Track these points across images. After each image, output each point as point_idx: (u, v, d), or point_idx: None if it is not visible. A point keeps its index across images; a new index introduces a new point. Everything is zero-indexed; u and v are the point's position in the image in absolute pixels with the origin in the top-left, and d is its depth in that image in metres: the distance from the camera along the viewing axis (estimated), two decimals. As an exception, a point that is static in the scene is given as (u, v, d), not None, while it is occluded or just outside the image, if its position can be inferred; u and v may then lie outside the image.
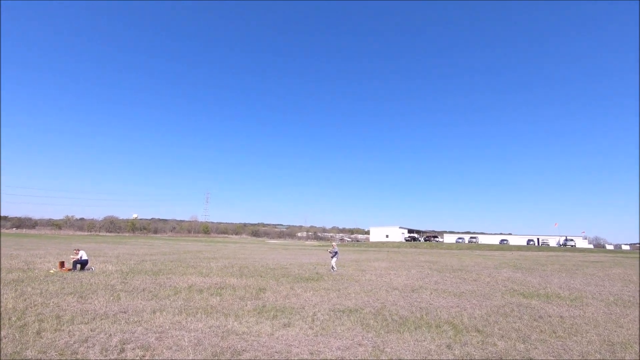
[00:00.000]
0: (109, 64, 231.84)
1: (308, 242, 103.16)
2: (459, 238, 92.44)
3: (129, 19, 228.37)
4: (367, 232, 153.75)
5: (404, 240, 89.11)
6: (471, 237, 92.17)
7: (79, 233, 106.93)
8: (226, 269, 17.70)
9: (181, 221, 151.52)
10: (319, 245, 73.97)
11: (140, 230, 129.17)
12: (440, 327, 6.95)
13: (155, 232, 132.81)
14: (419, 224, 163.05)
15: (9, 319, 6.53)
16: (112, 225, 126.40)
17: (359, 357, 5.10)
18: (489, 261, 29.54)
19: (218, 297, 9.56)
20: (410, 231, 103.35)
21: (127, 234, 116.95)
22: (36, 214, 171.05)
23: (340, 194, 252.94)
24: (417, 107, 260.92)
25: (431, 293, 11.45)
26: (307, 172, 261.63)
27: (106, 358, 4.74)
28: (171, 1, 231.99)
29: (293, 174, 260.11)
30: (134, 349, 5.12)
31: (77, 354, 4.86)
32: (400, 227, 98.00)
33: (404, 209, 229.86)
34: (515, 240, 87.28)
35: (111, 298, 8.92)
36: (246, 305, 8.54)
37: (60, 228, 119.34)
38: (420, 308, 8.85)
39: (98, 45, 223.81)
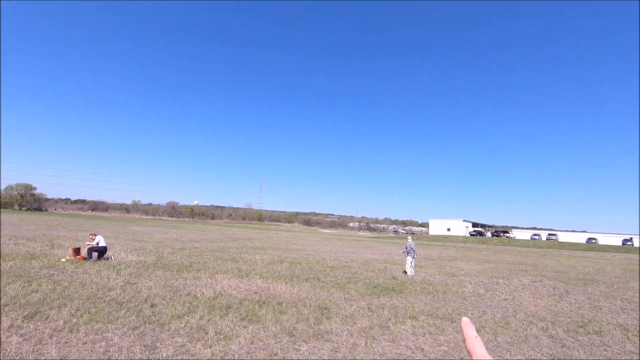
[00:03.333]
0: (184, 62, 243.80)
1: (361, 233, 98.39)
2: (535, 234, 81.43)
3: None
4: (422, 225, 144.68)
5: (468, 235, 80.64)
6: (549, 234, 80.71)
7: (143, 217, 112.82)
8: (274, 265, 13.88)
9: (237, 208, 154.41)
10: (374, 237, 69.06)
11: (199, 215, 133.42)
12: None
13: (213, 218, 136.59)
14: (479, 218, 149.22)
15: None
16: (174, 211, 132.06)
17: None
18: (605, 266, 22.67)
19: (251, 328, 5.51)
20: (475, 225, 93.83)
21: (186, 219, 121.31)
22: (109, 198, 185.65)
23: (392, 185, 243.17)
24: (478, 100, 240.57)
25: (623, 337, 6.39)
26: (358, 163, 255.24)
27: None
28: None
29: (344, 165, 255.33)
30: None
31: None
32: (464, 220, 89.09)
33: (462, 200, 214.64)
34: (605, 240, 74.57)
35: (70, 325, 5.22)
36: (299, 361, 4.34)
37: (128, 212, 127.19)
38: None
39: (175, 44, 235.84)
